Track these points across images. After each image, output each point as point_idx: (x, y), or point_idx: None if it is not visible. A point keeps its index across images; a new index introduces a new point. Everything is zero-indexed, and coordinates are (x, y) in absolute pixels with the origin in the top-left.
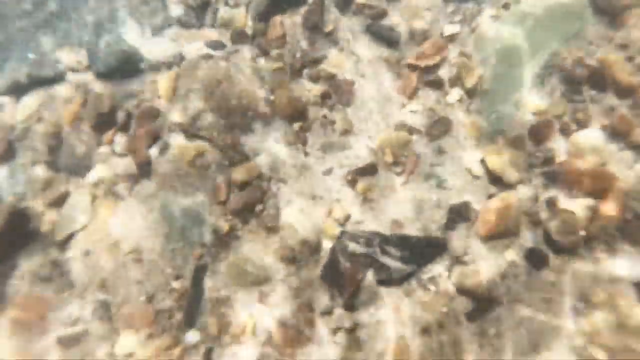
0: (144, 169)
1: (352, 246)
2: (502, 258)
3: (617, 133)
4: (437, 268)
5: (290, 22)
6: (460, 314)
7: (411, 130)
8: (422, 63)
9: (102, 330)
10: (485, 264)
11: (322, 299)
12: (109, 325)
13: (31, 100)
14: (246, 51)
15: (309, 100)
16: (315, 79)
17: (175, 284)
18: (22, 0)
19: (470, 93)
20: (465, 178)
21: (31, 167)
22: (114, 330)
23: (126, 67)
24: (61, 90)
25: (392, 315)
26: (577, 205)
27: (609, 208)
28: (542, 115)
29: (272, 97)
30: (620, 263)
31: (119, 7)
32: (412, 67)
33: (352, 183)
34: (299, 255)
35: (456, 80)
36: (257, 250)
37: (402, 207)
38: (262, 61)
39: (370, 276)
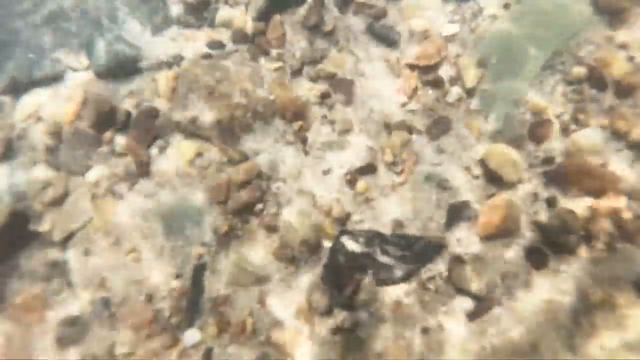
0: (144, 169)
1: (352, 246)
2: (501, 258)
3: (616, 133)
4: (437, 267)
5: (290, 21)
6: (460, 313)
7: (411, 129)
8: (422, 62)
9: (101, 329)
10: (485, 264)
11: (322, 299)
12: (109, 325)
13: (31, 100)
14: (246, 51)
15: (308, 100)
16: (315, 79)
17: (175, 284)
18: None
19: (470, 92)
20: (464, 177)
21: (31, 167)
22: (114, 330)
23: (126, 66)
24: (61, 89)
25: (392, 315)
26: (577, 205)
27: (609, 208)
28: (542, 114)
29: (272, 97)
30: (620, 262)
31: (119, 6)
32: (412, 67)
33: (351, 182)
34: (298, 254)
35: (456, 80)
36: (256, 249)
37: (402, 206)
38: (262, 61)
39: (370, 276)
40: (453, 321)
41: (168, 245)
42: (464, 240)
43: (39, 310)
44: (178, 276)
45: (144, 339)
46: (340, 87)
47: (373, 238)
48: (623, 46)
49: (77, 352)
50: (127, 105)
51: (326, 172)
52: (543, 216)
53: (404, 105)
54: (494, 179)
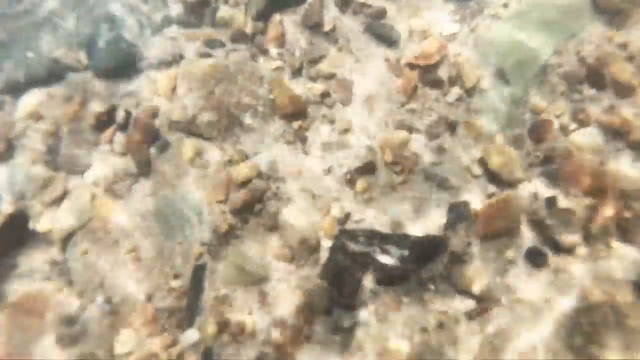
0: (143, 168)
1: (352, 245)
2: (501, 257)
3: (616, 132)
4: (437, 267)
5: (290, 21)
6: (460, 313)
7: (411, 129)
8: (422, 62)
9: (101, 329)
10: (485, 263)
11: (322, 299)
12: (108, 324)
13: (30, 99)
14: (245, 50)
15: (308, 99)
16: (314, 78)
17: (175, 283)
18: None
19: (470, 92)
20: (464, 177)
21: (30, 166)
22: (113, 329)
23: (125, 66)
24: (60, 89)
25: (392, 315)
26: (577, 205)
27: (608, 207)
28: (542, 114)
29: (271, 96)
30: (619, 262)
31: (118, 6)
32: (412, 67)
33: (351, 182)
34: (298, 254)
35: (456, 80)
36: (256, 249)
37: (402, 206)
38: (261, 60)
39: (369, 275)
40: (453, 321)
41: (168, 245)
42: (464, 240)
43: (39, 310)
44: (178, 276)
45: (143, 339)
46: (340, 87)
47: (373, 238)
48: (623, 46)
49: (77, 352)
50: (127, 104)
51: (326, 172)
52: (542, 216)
53: (403, 105)
54: (494, 179)
